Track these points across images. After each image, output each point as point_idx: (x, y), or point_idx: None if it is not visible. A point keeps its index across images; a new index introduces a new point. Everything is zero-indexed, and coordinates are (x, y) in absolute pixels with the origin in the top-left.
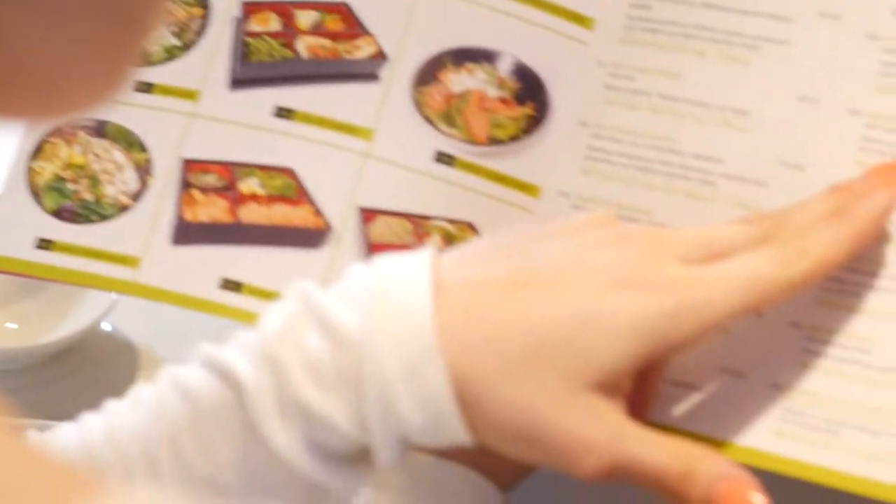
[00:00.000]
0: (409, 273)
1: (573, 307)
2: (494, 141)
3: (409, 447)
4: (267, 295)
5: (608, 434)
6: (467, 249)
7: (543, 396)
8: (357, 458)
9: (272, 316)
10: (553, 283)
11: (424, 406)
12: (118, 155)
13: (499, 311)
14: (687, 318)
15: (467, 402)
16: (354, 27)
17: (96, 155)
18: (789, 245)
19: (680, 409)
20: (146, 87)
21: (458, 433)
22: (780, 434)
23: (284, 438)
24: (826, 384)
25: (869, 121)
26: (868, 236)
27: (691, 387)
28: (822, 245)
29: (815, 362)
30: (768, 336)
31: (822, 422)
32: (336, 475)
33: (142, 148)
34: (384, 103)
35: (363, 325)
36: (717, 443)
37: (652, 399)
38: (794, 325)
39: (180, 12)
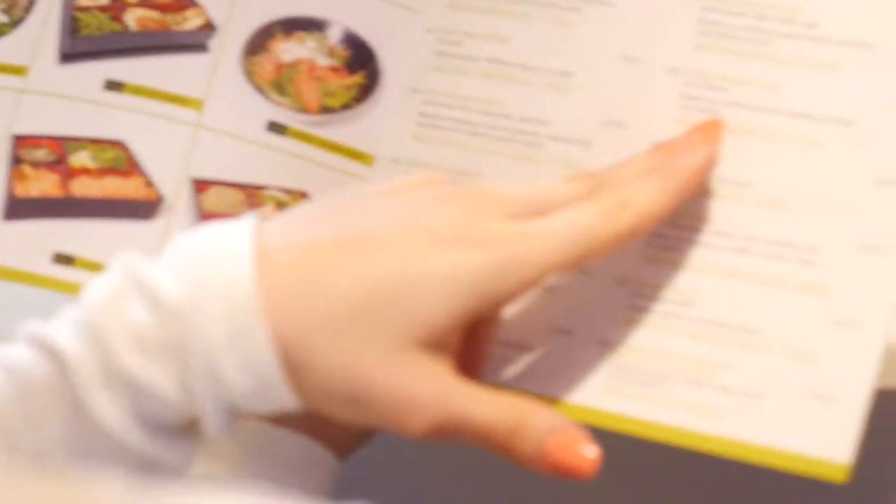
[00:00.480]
0: (232, 239)
1: (398, 266)
2: (326, 109)
3: (237, 415)
4: (100, 267)
5: (435, 392)
6: (293, 214)
7: (369, 357)
8: (187, 429)
9: (95, 288)
10: (378, 243)
11: (249, 370)
12: None
13: (325, 273)
14: (511, 271)
15: (295, 367)
16: None
17: None
18: (612, 199)
19: (511, 370)
20: None
21: (284, 398)
22: (610, 390)
23: (111, 412)
24: (653, 339)
25: (688, 78)
26: (689, 190)
27: (522, 347)
28: (645, 198)
29: (641, 318)
30: (595, 294)
31: (650, 376)
32: (166, 447)
33: None
34: (214, 74)
35: (186, 292)
36: (548, 401)
37: (483, 358)
38: (619, 281)
39: None
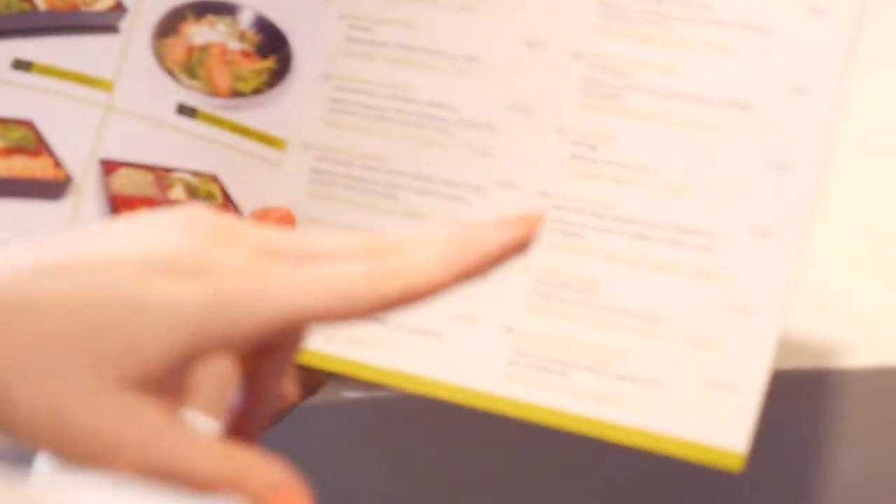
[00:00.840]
0: None
1: (116, 292)
2: (237, 94)
3: None
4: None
5: (142, 436)
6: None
7: (74, 396)
8: None
9: None
10: (88, 268)
11: None
12: None
13: (29, 300)
14: (244, 310)
15: None
16: None
17: None
18: (385, 263)
19: (415, 356)
20: None
21: None
22: (512, 377)
23: None
24: (555, 325)
25: (591, 62)
26: (474, 272)
27: (425, 333)
28: (420, 270)
29: (543, 304)
30: (498, 280)
31: (552, 363)
32: None
33: None
34: (124, 55)
35: None
36: (451, 388)
37: (260, 416)
38: (523, 267)
39: None
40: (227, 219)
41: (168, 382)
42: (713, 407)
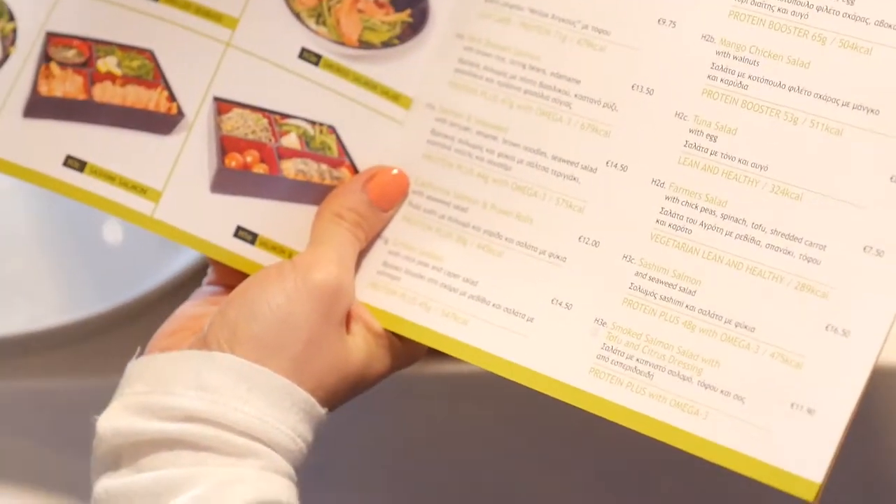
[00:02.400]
0: None
1: None
2: (366, 44)
3: None
4: (108, 176)
5: None
6: None
7: None
8: None
9: None
10: None
11: None
12: None
13: None
14: None
15: None
16: None
17: None
18: None
19: (508, 339)
20: None
21: None
22: (596, 371)
23: None
24: (647, 324)
25: (720, 47)
26: None
27: (521, 315)
28: None
29: (640, 300)
30: (600, 267)
31: (639, 363)
32: None
33: (10, 17)
34: None
35: None
36: (534, 375)
37: None
38: (625, 258)
39: None
40: None
41: None
42: (795, 431)
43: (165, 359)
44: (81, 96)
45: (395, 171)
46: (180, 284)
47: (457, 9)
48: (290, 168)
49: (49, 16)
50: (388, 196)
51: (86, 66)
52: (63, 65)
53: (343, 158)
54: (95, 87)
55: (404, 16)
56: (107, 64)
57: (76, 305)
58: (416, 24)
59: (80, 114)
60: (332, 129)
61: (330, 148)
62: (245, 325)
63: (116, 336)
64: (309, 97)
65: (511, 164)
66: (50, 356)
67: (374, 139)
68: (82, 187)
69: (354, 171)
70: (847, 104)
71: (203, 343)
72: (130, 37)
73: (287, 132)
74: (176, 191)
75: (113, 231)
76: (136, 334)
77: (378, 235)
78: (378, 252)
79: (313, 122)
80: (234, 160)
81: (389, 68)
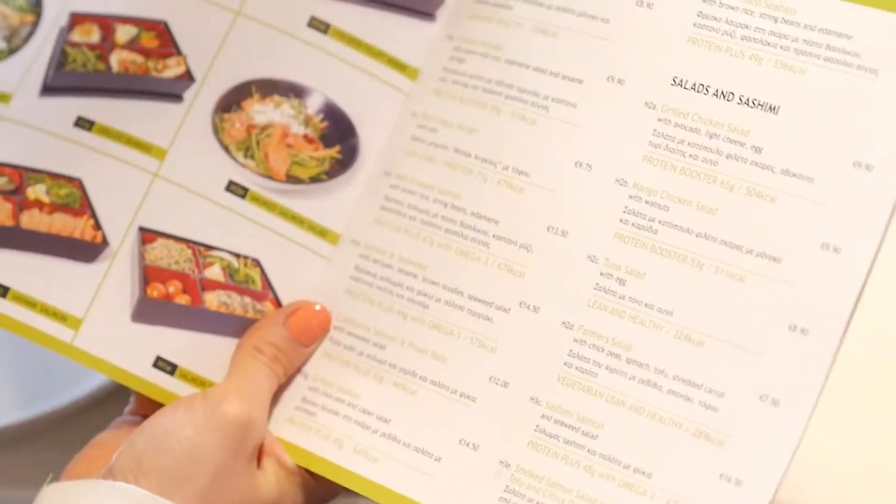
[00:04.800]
0: None
1: None
2: (293, 179)
3: None
4: (30, 303)
5: None
6: None
7: None
8: None
9: None
10: None
11: None
12: None
13: None
14: None
15: None
16: (168, 45)
17: None
18: None
19: (414, 478)
20: None
21: None
22: None
23: None
24: (549, 466)
25: (633, 192)
26: None
27: (429, 455)
28: None
29: (546, 442)
30: (506, 410)
31: None
32: None
33: None
34: (183, 125)
35: None
36: None
37: None
38: (532, 400)
39: (13, 18)
40: None
41: None
42: None
43: (72, 486)
44: (9, 223)
45: (317, 307)
46: (100, 398)
47: (385, 147)
48: (212, 300)
49: None
50: (310, 332)
51: (15, 194)
52: None
53: (267, 292)
54: (23, 214)
55: (333, 152)
56: (36, 192)
57: None
58: (345, 161)
59: (5, 240)
60: (256, 263)
61: (254, 281)
62: (152, 456)
63: (34, 447)
64: (234, 230)
65: (429, 303)
66: None
67: (298, 273)
68: (3, 313)
69: (278, 304)
70: (751, 251)
71: (110, 473)
72: (61, 165)
73: (211, 264)
74: (97, 319)
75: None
76: (53, 446)
77: (298, 370)
78: (297, 387)
79: (238, 255)
80: (156, 290)
81: (317, 204)
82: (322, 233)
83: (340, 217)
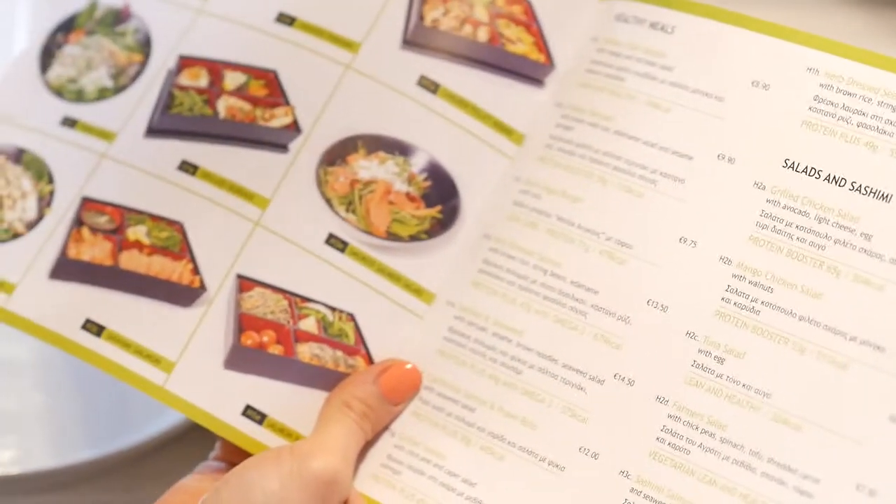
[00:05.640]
0: None
1: None
2: (393, 236)
3: None
4: (125, 343)
5: None
6: None
7: None
8: None
9: None
10: None
11: None
12: (26, 183)
13: None
14: None
15: None
16: (277, 95)
17: (7, 180)
18: None
19: None
20: (71, 123)
21: None
22: None
23: None
24: None
25: (737, 271)
26: None
27: None
28: None
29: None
30: (596, 483)
31: None
32: None
33: (50, 180)
34: (287, 176)
35: None
36: None
37: None
38: (624, 473)
39: (121, 56)
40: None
41: None
42: None
43: None
44: (108, 262)
45: (408, 366)
46: (174, 437)
47: (486, 210)
48: (305, 352)
49: (87, 181)
50: (400, 391)
51: (116, 233)
52: (94, 230)
53: (359, 347)
54: (123, 254)
55: (434, 212)
56: (136, 233)
57: (68, 449)
58: (446, 221)
59: (104, 279)
60: (351, 317)
61: (347, 335)
62: None
63: (105, 483)
64: (331, 283)
65: (522, 368)
66: (39, 498)
67: (392, 331)
68: (97, 352)
69: (370, 360)
70: (854, 339)
71: None
72: (162, 208)
73: (306, 315)
74: (189, 363)
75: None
76: (127, 483)
77: (386, 428)
78: (384, 445)
79: (333, 309)
80: (250, 338)
81: (415, 262)
82: (418, 291)
83: (437, 277)
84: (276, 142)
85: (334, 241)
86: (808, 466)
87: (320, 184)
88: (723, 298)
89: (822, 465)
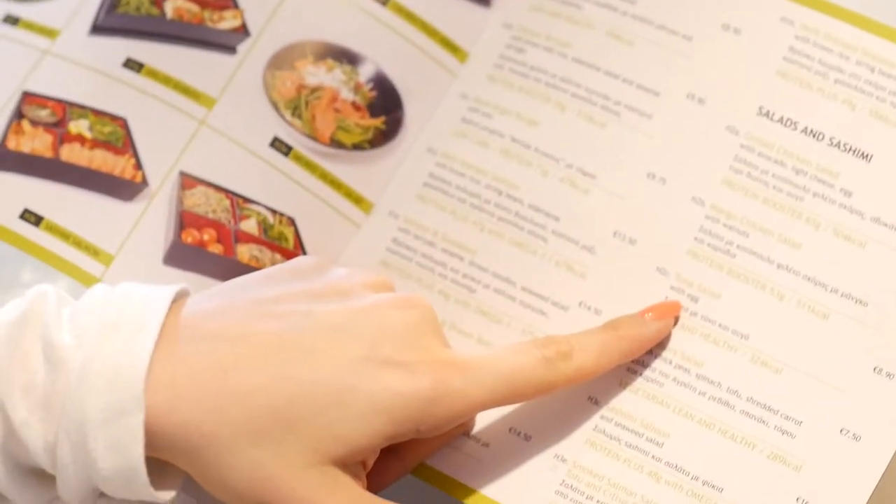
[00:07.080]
0: (146, 313)
1: (328, 379)
2: (337, 143)
3: (100, 492)
4: (63, 234)
5: None
6: (225, 296)
7: (284, 468)
8: (48, 479)
9: (9, 314)
10: (313, 350)
11: (116, 455)
12: None
13: (249, 371)
14: (441, 404)
15: (205, 462)
16: None
17: None
18: (556, 348)
19: (462, 461)
20: (13, 21)
21: (145, 491)
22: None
23: None
24: (610, 468)
25: (711, 213)
26: (629, 357)
27: (477, 441)
28: (588, 354)
29: (604, 443)
30: (563, 407)
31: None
32: (19, 485)
33: None
34: (234, 77)
35: (82, 354)
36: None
37: (391, 475)
38: (591, 400)
39: None
40: (419, 301)
41: (362, 459)
42: None
43: None
44: (48, 154)
45: None
46: None
47: (430, 124)
48: (244, 252)
49: (28, 76)
50: None
51: (57, 126)
52: (35, 123)
53: (298, 251)
54: (64, 146)
55: (378, 122)
56: (78, 126)
57: None
58: (389, 132)
59: (44, 170)
60: (291, 221)
61: (287, 239)
62: None
63: None
64: (274, 186)
65: (476, 287)
66: None
67: (330, 237)
68: (35, 241)
69: None
70: (836, 291)
71: None
72: (106, 103)
73: (247, 217)
74: (128, 257)
75: None
76: None
77: None
78: None
79: (274, 211)
80: (190, 236)
81: (356, 171)
82: (357, 200)
83: (376, 188)
84: (225, 44)
85: (279, 145)
86: (790, 408)
87: (267, 87)
88: (696, 238)
89: (804, 407)
